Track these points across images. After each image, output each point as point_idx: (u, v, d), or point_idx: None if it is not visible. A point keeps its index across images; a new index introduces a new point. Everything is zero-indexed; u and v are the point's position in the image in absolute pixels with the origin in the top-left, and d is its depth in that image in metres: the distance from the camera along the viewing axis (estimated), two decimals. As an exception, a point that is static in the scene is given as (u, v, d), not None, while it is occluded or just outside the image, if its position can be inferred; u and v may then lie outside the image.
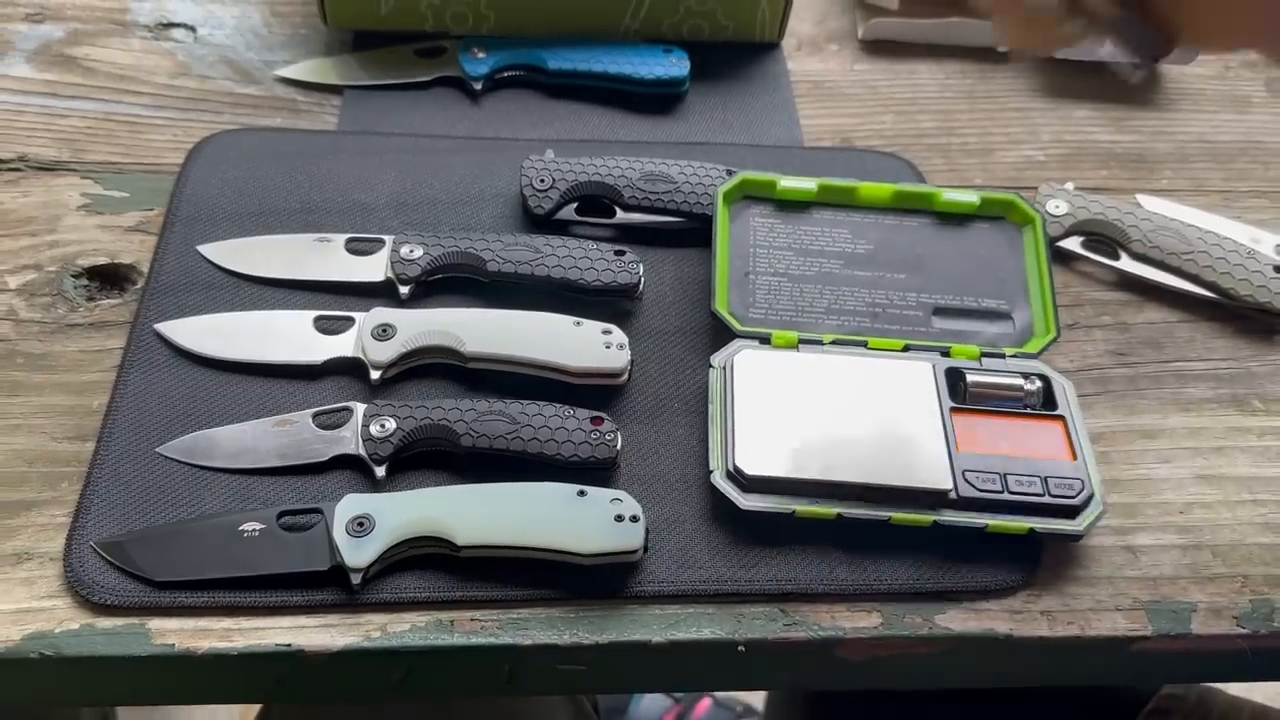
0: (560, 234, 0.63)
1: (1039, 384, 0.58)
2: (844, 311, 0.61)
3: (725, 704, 1.32)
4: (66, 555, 0.51)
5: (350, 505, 0.52)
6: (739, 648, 0.51)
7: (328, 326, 0.59)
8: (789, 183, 0.65)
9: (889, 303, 0.62)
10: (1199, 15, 0.46)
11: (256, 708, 0.83)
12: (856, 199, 0.65)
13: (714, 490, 0.54)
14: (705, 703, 1.31)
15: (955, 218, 0.65)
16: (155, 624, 0.50)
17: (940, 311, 0.62)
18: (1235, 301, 0.65)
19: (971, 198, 0.65)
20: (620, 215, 0.66)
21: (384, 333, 0.58)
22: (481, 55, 0.74)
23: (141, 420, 0.56)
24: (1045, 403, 0.58)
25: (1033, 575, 0.54)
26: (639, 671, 0.53)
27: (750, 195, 0.65)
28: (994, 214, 0.65)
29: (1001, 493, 0.54)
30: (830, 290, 0.62)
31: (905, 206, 0.65)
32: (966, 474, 0.54)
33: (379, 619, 0.50)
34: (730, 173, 0.65)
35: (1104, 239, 0.67)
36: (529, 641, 0.50)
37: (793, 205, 0.65)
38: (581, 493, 0.52)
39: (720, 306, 0.60)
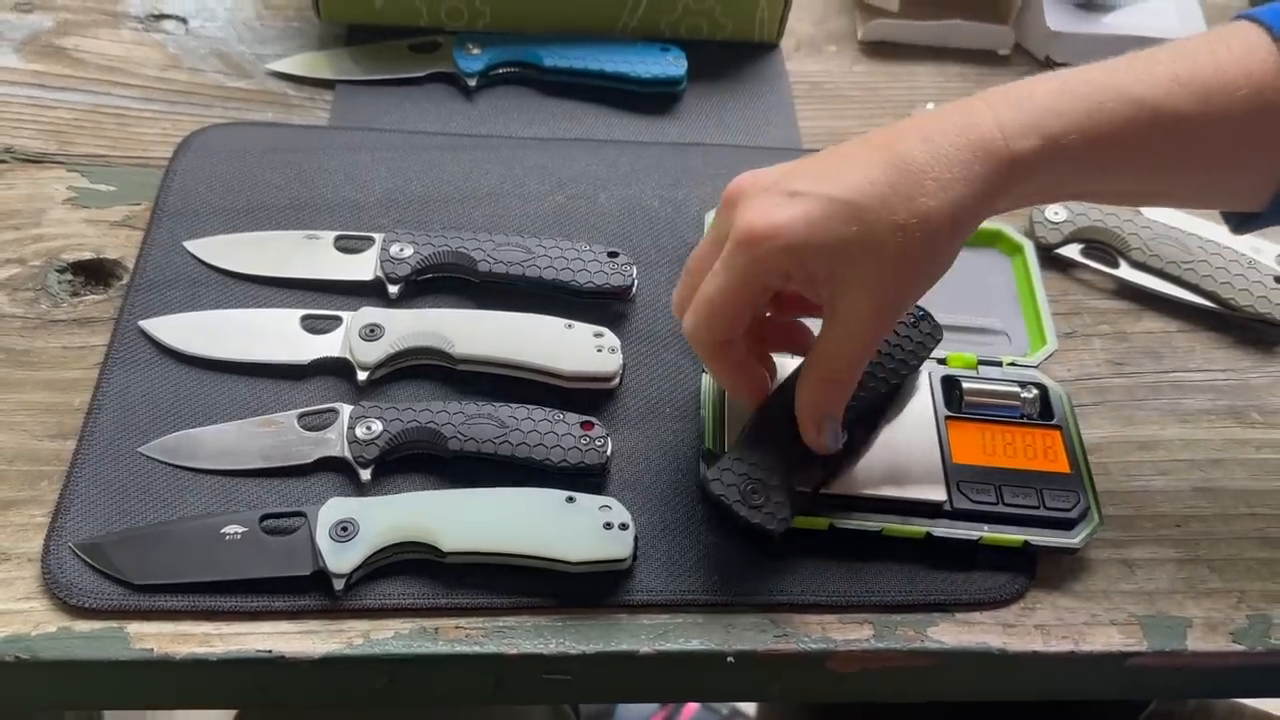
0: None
1: (1036, 393, 0.57)
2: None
3: (712, 706, 1.31)
4: (45, 556, 0.50)
5: (334, 509, 0.51)
6: (728, 659, 0.50)
7: (315, 326, 0.58)
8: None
9: (885, 309, 0.61)
10: None
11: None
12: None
13: (705, 498, 0.53)
14: (692, 705, 1.31)
15: None
16: (134, 628, 0.49)
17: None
18: (1235, 312, 0.64)
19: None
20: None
21: (372, 333, 0.57)
22: (476, 51, 0.73)
23: (124, 419, 0.55)
24: (1042, 412, 0.57)
25: (1027, 588, 0.53)
26: (626, 682, 0.52)
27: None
28: (982, 244, 0.65)
29: (996, 504, 0.53)
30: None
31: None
32: (961, 484, 0.53)
33: (362, 625, 0.50)
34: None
35: (1104, 246, 0.67)
36: (514, 651, 0.49)
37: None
38: (570, 499, 0.51)
39: (714, 311, 0.59)
